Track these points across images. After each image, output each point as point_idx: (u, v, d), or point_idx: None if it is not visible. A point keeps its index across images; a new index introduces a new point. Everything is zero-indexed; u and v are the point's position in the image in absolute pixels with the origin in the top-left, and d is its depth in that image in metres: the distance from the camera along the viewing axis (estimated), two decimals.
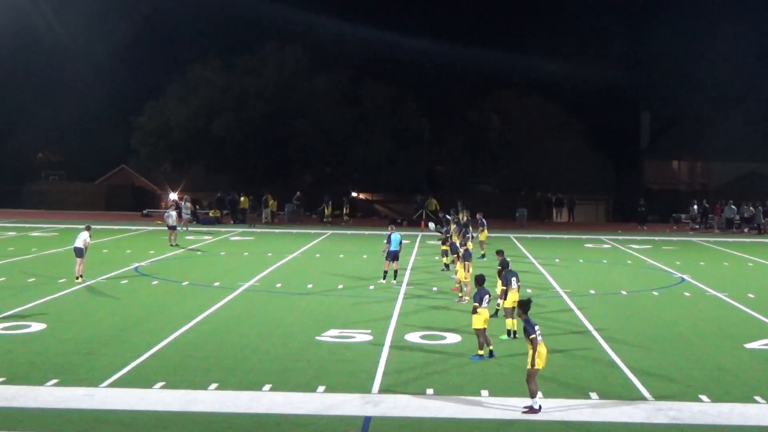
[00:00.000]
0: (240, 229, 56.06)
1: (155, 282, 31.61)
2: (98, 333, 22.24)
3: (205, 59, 79.78)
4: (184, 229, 51.48)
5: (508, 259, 25.30)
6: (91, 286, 29.88)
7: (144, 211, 69.14)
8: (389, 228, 33.22)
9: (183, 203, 55.24)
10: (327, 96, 76.64)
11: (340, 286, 31.04)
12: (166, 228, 44.91)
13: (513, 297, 22.27)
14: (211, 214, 62.79)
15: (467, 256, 27.94)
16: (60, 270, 32.81)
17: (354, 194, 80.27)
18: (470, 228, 36.48)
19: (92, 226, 33.74)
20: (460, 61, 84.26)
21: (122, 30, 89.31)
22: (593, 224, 69.44)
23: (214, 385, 17.47)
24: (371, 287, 30.87)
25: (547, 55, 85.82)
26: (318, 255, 41.45)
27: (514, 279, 22.71)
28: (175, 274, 33.70)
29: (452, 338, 22.12)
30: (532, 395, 16.14)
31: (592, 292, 30.88)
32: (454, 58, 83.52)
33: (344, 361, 19.72)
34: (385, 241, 31.91)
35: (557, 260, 40.85)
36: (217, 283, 31.23)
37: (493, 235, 48.17)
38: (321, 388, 17.44)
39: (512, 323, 22.15)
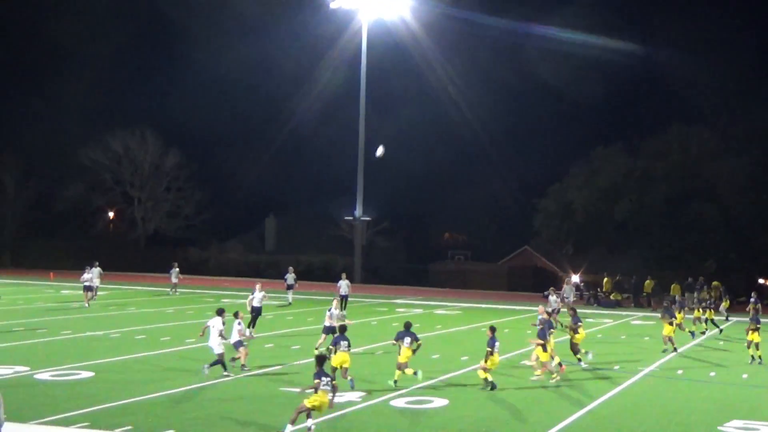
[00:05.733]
0: (641, 313, 55.28)
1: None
2: (497, 411, 22.75)
3: (609, 142, 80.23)
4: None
5: None
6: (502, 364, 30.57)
7: (545, 293, 69.91)
8: None
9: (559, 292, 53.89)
10: (733, 179, 74.24)
11: (745, 376, 29.82)
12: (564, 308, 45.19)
13: (406, 353, 25.28)
14: (611, 297, 62.50)
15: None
16: (463, 348, 33.82)
17: (761, 281, 76.58)
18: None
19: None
20: None
21: (522, 114, 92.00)
22: None
23: None
24: None
25: None
26: (721, 342, 39.99)
27: (408, 339, 25.31)
28: (575, 356, 33.81)
29: None
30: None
31: None
32: None
33: None
34: None
35: None
36: (616, 367, 31.04)
37: None
38: None
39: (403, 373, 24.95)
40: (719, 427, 21.37)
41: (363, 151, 77.05)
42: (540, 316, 29.67)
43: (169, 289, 59.38)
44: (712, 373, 30.31)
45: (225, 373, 26.51)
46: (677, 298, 46.38)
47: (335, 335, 26.05)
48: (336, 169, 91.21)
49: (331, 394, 19.18)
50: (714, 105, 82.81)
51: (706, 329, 43.26)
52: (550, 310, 43.89)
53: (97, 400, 22.20)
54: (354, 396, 23.81)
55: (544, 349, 27.54)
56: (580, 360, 31.11)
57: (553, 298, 45.53)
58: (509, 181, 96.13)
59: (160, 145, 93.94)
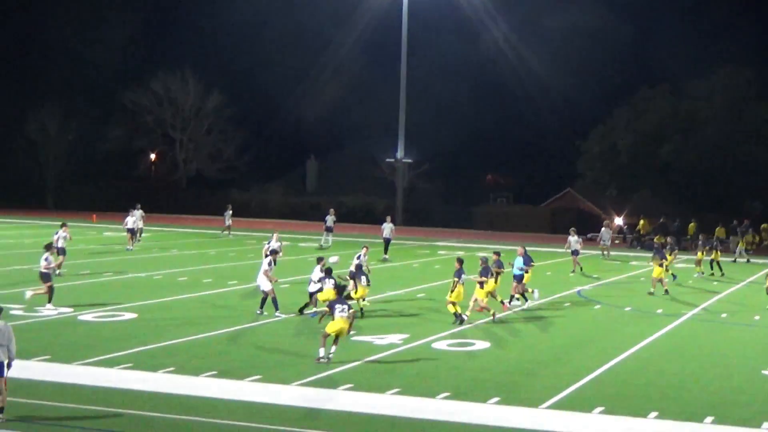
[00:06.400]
0: (684, 256, 54.81)
1: (597, 306, 31.76)
2: (539, 354, 22.73)
3: (654, 84, 79.16)
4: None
5: None
6: (535, 308, 30.46)
7: (588, 235, 69.42)
8: None
9: None
10: None
11: None
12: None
13: (362, 291, 27.57)
14: (655, 240, 61.93)
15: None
16: (505, 291, 33.56)
17: None
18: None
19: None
20: None
21: (565, 55, 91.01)
22: None
23: (653, 414, 17.23)
24: None
25: None
26: (766, 286, 39.55)
27: (364, 278, 27.57)
28: (618, 299, 33.65)
29: None
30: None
31: None
32: None
33: None
34: None
35: None
36: (659, 310, 30.82)
37: None
38: (766, 424, 16.67)
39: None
40: (763, 371, 21.16)
41: (405, 92, 76.60)
42: (484, 256, 29.08)
43: (221, 231, 59.16)
44: (757, 317, 30.05)
45: (260, 313, 26.83)
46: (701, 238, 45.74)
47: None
48: (377, 110, 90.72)
49: (350, 320, 20.47)
50: (759, 46, 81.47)
51: (723, 272, 43.31)
52: (570, 250, 43.37)
53: (140, 342, 22.37)
54: (395, 338, 23.83)
55: (481, 286, 27.39)
56: (526, 299, 30.68)
57: (573, 238, 44.11)
58: (552, 123, 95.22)
59: (201, 87, 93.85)
